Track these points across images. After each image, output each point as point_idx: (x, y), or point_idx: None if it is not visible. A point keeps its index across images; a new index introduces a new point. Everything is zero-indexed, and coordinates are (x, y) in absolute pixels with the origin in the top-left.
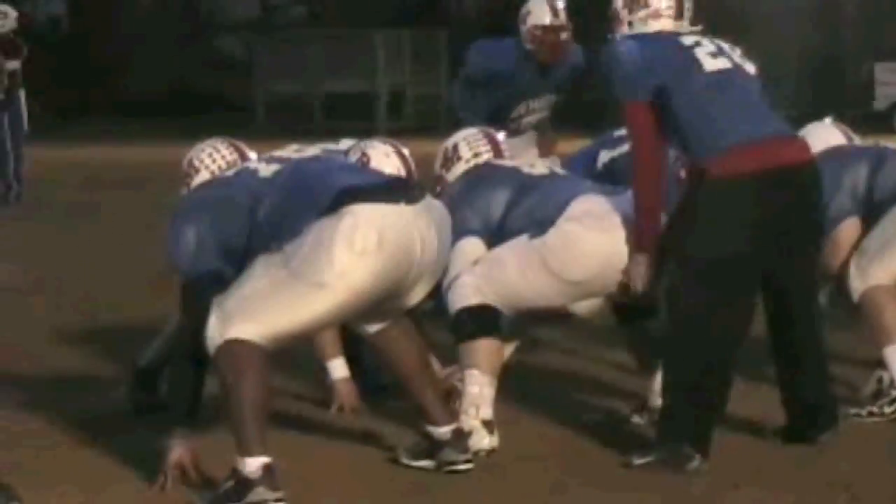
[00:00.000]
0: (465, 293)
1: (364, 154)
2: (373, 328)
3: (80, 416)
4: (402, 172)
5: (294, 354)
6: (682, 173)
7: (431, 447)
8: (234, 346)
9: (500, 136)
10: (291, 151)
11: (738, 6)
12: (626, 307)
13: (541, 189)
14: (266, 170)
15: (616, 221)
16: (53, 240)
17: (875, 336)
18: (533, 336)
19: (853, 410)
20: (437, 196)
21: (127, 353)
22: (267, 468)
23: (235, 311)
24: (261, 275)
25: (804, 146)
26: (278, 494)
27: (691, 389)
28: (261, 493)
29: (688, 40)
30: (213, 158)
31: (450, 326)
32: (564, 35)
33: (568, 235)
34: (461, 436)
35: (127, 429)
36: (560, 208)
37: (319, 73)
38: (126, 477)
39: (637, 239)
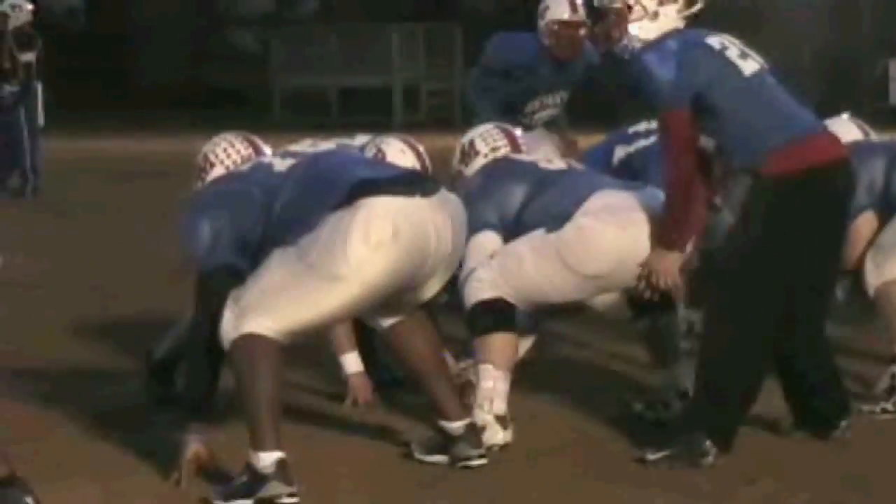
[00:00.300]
0: (481, 287)
1: (379, 150)
2: (387, 322)
3: (96, 409)
4: (418, 168)
5: (308, 348)
6: None
7: (445, 442)
8: (248, 340)
9: (518, 131)
10: (307, 146)
11: (754, 2)
12: (641, 301)
13: (558, 184)
14: (281, 164)
15: (633, 217)
16: (69, 232)
17: (889, 332)
18: (547, 330)
19: (866, 407)
20: (455, 191)
21: (143, 346)
22: (281, 463)
23: (250, 305)
24: (276, 269)
25: (840, 142)
26: (292, 489)
27: (721, 384)
28: (274, 487)
29: (714, 42)
30: (227, 153)
31: (465, 320)
32: (582, 31)
33: (584, 230)
34: (475, 431)
35: (142, 422)
36: (577, 203)
37: (334, 68)
38: (142, 469)
39: (667, 238)
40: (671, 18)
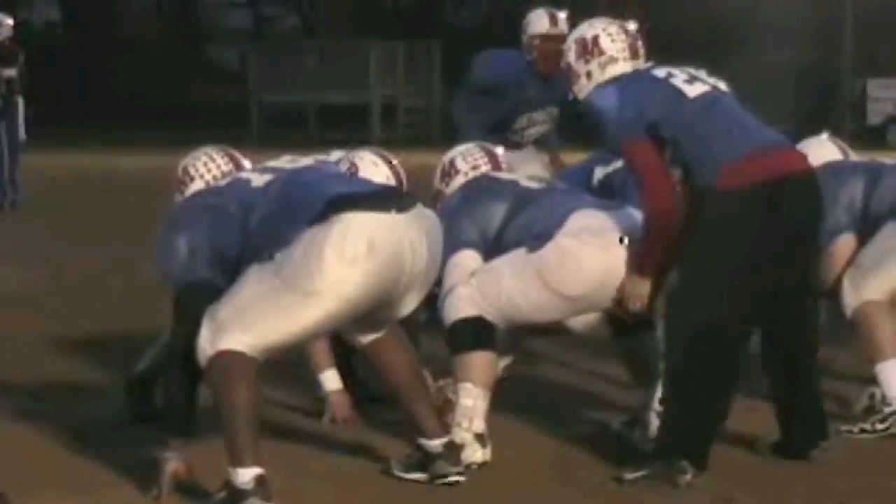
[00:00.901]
0: (461, 305)
1: (353, 164)
2: (365, 338)
3: (75, 425)
4: (392, 181)
5: (287, 365)
6: None
7: (424, 459)
8: (225, 356)
9: (499, 150)
10: (284, 162)
11: (737, 23)
12: (621, 320)
13: (539, 203)
14: (259, 180)
15: (613, 238)
16: (48, 247)
17: (868, 352)
18: (526, 349)
19: (845, 427)
20: (435, 209)
21: (123, 361)
22: (259, 479)
23: (226, 321)
24: (252, 285)
25: (803, 156)
26: None
27: (692, 403)
28: (253, 503)
29: (660, 73)
30: (208, 168)
31: (445, 338)
32: (564, 45)
33: (565, 251)
34: (453, 448)
35: (122, 437)
36: (558, 223)
37: (313, 84)
38: (121, 485)
39: (641, 264)
40: (602, 71)
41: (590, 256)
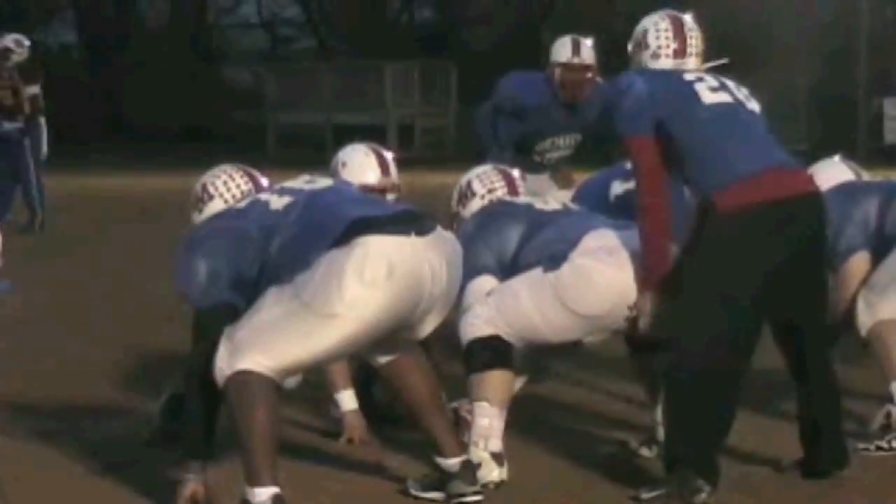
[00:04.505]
0: (478, 324)
1: (343, 162)
2: (384, 359)
3: (93, 446)
4: (380, 173)
5: (304, 385)
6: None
7: (440, 479)
8: (243, 377)
9: (516, 172)
10: (302, 182)
11: (751, 42)
12: (638, 338)
13: (554, 224)
14: (278, 202)
15: (629, 257)
16: (70, 269)
17: (883, 370)
18: (541, 367)
19: (861, 445)
20: (453, 231)
21: (143, 383)
22: (277, 498)
23: (245, 342)
24: (271, 306)
25: (809, 178)
26: None
27: (696, 419)
28: None
29: (690, 76)
30: (227, 187)
31: (461, 357)
32: (588, 75)
33: (581, 270)
34: (470, 468)
35: (140, 458)
36: (573, 243)
37: (329, 105)
38: None
39: (643, 277)
40: (647, 64)
41: (605, 275)
